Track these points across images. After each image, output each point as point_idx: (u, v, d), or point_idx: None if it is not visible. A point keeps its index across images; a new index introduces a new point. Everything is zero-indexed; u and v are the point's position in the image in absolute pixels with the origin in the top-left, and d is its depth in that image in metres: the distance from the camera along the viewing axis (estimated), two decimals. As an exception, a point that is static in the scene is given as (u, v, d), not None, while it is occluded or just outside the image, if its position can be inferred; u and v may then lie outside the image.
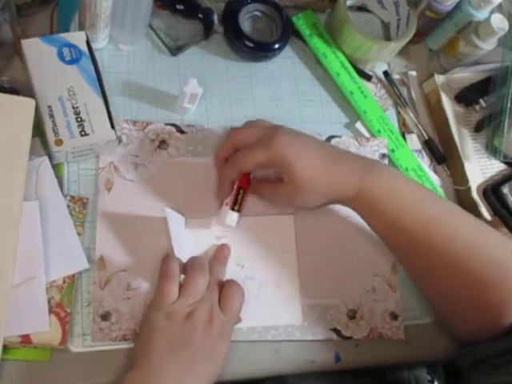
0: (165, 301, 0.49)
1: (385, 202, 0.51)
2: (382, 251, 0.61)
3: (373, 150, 0.66)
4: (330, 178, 0.52)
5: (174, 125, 0.60)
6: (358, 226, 0.62)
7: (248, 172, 0.56)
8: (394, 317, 0.59)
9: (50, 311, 0.49)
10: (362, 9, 0.74)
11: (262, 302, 0.56)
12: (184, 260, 0.53)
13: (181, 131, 0.60)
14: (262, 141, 0.52)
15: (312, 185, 0.52)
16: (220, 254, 0.56)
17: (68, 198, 0.53)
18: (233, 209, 0.55)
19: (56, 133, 0.51)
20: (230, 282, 0.54)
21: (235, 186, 0.55)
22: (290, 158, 0.51)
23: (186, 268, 0.52)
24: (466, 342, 0.52)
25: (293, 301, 0.57)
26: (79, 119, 0.52)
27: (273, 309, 0.56)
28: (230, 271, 0.56)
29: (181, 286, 0.51)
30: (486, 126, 0.68)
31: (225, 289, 0.53)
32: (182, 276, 0.52)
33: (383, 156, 0.66)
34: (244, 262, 0.57)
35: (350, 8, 0.70)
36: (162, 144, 0.58)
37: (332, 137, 0.65)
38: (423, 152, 0.69)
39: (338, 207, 0.62)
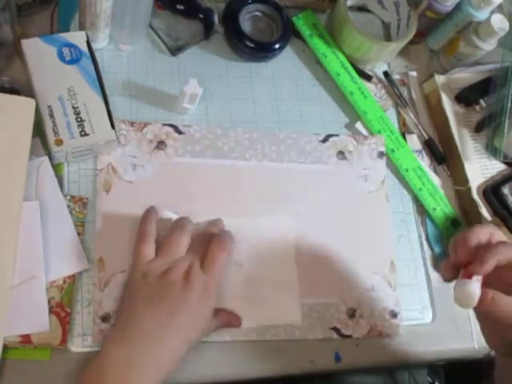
0: (141, 261, 0.50)
1: None
2: (380, 249, 0.61)
3: (371, 148, 0.66)
4: None
5: (171, 125, 0.60)
6: (356, 224, 0.62)
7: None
8: (394, 315, 0.59)
9: (50, 311, 0.49)
10: (362, 9, 0.73)
11: (262, 302, 0.56)
12: None
13: (179, 132, 0.60)
14: None
15: None
16: (216, 220, 0.56)
17: (68, 197, 0.53)
18: None
19: (56, 133, 0.51)
20: (216, 241, 0.53)
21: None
22: None
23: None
24: None
25: (292, 300, 0.57)
26: (79, 119, 0.52)
27: (272, 308, 0.56)
28: (230, 271, 0.56)
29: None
30: (486, 127, 0.68)
31: (209, 249, 0.52)
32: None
33: (381, 154, 0.66)
34: (243, 262, 0.57)
35: (351, 8, 0.70)
36: (160, 145, 0.59)
37: (330, 136, 0.65)
38: (423, 152, 0.69)
39: (337, 207, 0.62)
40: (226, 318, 0.53)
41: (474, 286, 0.44)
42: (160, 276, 0.49)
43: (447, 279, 0.48)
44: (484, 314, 0.48)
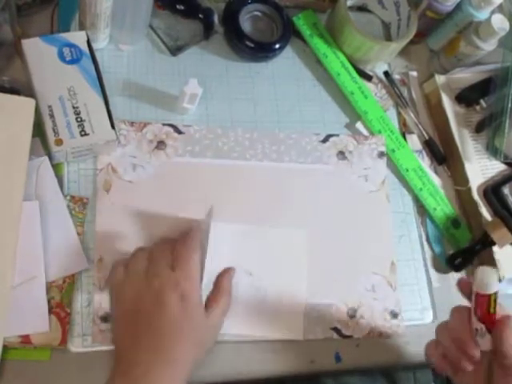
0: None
1: None
2: (381, 249, 0.61)
3: (371, 148, 0.66)
4: None
5: (171, 125, 0.60)
6: (356, 224, 0.62)
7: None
8: (394, 315, 0.59)
9: (50, 311, 0.49)
10: (362, 9, 0.73)
11: (265, 313, 0.56)
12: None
13: (178, 131, 0.60)
14: None
15: None
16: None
17: (68, 197, 0.53)
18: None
19: (56, 133, 0.51)
20: (180, 242, 0.51)
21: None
22: None
23: None
24: None
25: (296, 316, 0.56)
26: (79, 119, 0.52)
27: (275, 321, 0.56)
28: (238, 277, 0.55)
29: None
30: (486, 127, 0.68)
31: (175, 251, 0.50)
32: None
33: (381, 154, 0.66)
34: (252, 270, 0.56)
35: (351, 8, 0.70)
36: (160, 145, 0.58)
37: (330, 135, 0.65)
38: (424, 152, 0.69)
39: (338, 207, 0.62)
40: (218, 300, 0.52)
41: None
42: (124, 270, 0.50)
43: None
44: None
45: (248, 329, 0.55)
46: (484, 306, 0.46)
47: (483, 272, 0.46)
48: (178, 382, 0.46)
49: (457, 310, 0.48)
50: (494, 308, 0.46)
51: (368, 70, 0.70)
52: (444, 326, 0.49)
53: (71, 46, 0.55)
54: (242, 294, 0.55)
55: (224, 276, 0.54)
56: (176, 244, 0.51)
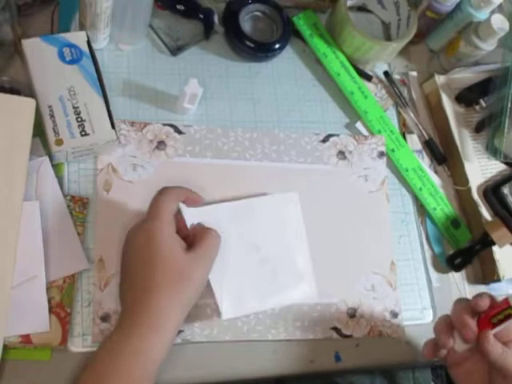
0: None
1: None
2: (380, 249, 0.61)
3: (371, 148, 0.66)
4: None
5: (171, 125, 0.60)
6: (356, 224, 0.62)
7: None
8: (394, 315, 0.59)
9: (50, 311, 0.49)
10: (362, 9, 0.73)
11: (277, 282, 0.55)
12: None
13: (179, 132, 0.60)
14: None
15: None
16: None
17: (68, 197, 0.53)
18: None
19: (56, 133, 0.51)
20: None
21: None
22: None
23: None
24: None
25: (306, 277, 0.56)
26: (79, 119, 0.52)
27: (286, 286, 0.56)
28: (244, 253, 0.55)
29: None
30: (486, 127, 0.68)
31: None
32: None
33: (381, 154, 0.66)
34: (258, 243, 0.56)
35: (351, 8, 0.70)
36: (160, 145, 0.59)
37: (330, 135, 0.65)
38: (423, 152, 0.69)
39: (336, 207, 0.62)
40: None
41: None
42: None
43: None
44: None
45: (262, 303, 0.54)
46: (495, 311, 0.48)
47: None
48: (164, 327, 0.45)
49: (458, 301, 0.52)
50: (497, 322, 0.47)
51: (368, 69, 0.70)
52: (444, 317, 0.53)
53: (71, 46, 0.55)
54: (251, 270, 0.55)
55: (209, 229, 0.51)
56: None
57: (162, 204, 0.49)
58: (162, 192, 0.50)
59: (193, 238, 0.50)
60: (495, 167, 0.67)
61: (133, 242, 0.48)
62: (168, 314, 0.45)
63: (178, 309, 0.46)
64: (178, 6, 0.64)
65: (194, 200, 0.53)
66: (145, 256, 0.47)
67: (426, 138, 0.69)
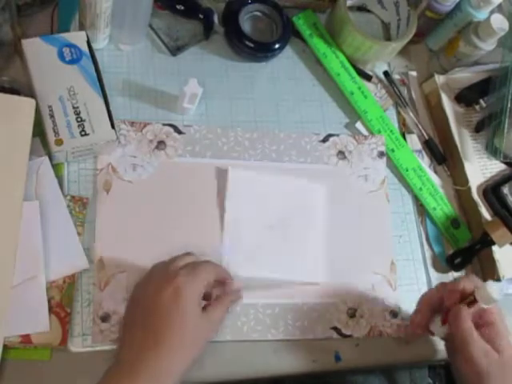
0: None
1: None
2: (380, 249, 0.61)
3: (371, 147, 0.66)
4: None
5: (171, 125, 0.60)
6: (356, 224, 0.62)
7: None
8: (394, 315, 0.59)
9: (50, 311, 0.49)
10: (362, 9, 0.74)
11: (284, 256, 0.58)
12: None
13: (179, 131, 0.60)
14: None
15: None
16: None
17: (68, 197, 0.53)
18: None
19: (56, 133, 0.51)
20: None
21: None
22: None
23: None
24: None
25: (314, 259, 0.59)
26: (79, 119, 0.52)
27: (294, 264, 0.58)
28: (259, 233, 0.57)
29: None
30: (486, 126, 0.68)
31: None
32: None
33: (381, 154, 0.66)
34: (272, 222, 0.58)
35: (350, 8, 0.70)
36: (160, 145, 0.59)
37: (330, 135, 0.65)
38: (423, 152, 0.69)
39: (336, 207, 0.62)
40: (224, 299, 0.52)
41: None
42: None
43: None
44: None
45: (269, 272, 0.56)
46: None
47: (491, 288, 0.49)
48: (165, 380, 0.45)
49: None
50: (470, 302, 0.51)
51: (368, 69, 0.70)
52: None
53: (71, 46, 0.55)
54: (263, 243, 0.57)
55: (229, 283, 0.54)
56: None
57: (204, 267, 0.50)
58: (206, 262, 0.52)
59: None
60: (495, 167, 0.67)
61: (159, 289, 0.47)
62: (171, 375, 0.46)
63: (182, 370, 0.47)
64: (178, 6, 0.64)
65: (226, 279, 0.54)
66: (166, 311, 0.46)
67: (426, 137, 0.69)
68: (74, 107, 0.53)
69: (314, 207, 0.61)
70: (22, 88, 0.54)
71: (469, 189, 0.66)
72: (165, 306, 0.47)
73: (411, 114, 0.69)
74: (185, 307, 0.47)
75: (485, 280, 0.51)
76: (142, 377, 0.44)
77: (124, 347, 0.47)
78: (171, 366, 0.46)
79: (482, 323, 0.51)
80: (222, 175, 0.58)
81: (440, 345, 0.59)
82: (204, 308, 0.49)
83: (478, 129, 0.68)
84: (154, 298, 0.47)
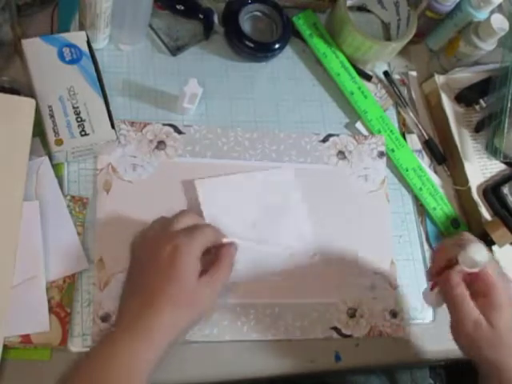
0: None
1: None
2: (380, 249, 0.61)
3: (371, 147, 0.66)
4: None
5: (171, 125, 0.60)
6: (357, 225, 0.62)
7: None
8: (394, 314, 0.59)
9: (50, 311, 0.49)
10: (362, 9, 0.74)
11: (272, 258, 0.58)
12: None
13: (179, 131, 0.60)
14: None
15: None
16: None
17: (68, 197, 0.53)
18: None
19: (56, 133, 0.51)
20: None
21: None
22: None
23: None
24: None
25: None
26: (79, 119, 0.52)
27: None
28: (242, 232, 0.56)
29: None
30: (486, 126, 0.68)
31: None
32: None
33: (381, 154, 0.66)
34: (255, 220, 0.58)
35: (350, 8, 0.70)
36: (160, 145, 0.59)
37: (330, 135, 0.65)
38: (423, 152, 0.69)
39: (337, 207, 0.62)
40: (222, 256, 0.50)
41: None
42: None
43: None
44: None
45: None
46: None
47: (474, 250, 0.46)
48: (158, 342, 0.45)
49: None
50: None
51: (368, 69, 0.70)
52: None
53: (71, 46, 0.55)
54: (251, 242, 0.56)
55: (227, 247, 0.52)
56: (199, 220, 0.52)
57: (202, 230, 0.49)
58: (204, 225, 0.51)
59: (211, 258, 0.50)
60: (495, 167, 0.67)
61: (157, 248, 0.47)
62: (167, 332, 0.45)
63: (177, 330, 0.46)
64: (178, 6, 0.64)
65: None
66: (164, 269, 0.46)
67: (426, 137, 0.69)
68: (74, 107, 0.53)
69: (288, 191, 0.60)
70: (22, 88, 0.54)
71: (469, 189, 0.66)
72: (162, 264, 0.46)
73: (411, 114, 0.69)
74: (182, 267, 0.46)
75: None
76: (138, 332, 0.44)
77: (122, 308, 0.48)
78: (167, 325, 0.45)
79: (479, 291, 0.48)
80: (191, 189, 0.57)
81: (440, 345, 0.59)
82: (202, 273, 0.48)
83: (477, 129, 0.68)
84: (152, 256, 0.47)
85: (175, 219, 0.50)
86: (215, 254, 0.51)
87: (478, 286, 0.48)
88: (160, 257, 0.47)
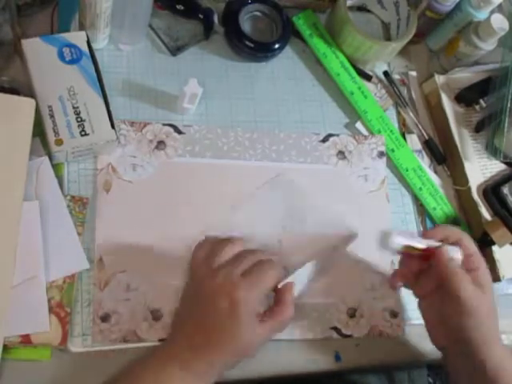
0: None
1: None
2: (381, 249, 0.61)
3: (371, 147, 0.66)
4: None
5: (171, 125, 0.60)
6: (357, 225, 0.62)
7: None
8: (394, 314, 0.59)
9: (50, 311, 0.49)
10: (362, 9, 0.74)
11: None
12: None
13: (179, 131, 0.60)
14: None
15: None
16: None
17: (68, 197, 0.53)
18: None
19: (56, 133, 0.51)
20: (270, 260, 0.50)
21: None
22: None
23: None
24: None
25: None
26: (79, 119, 0.52)
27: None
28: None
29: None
30: (486, 126, 0.68)
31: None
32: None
33: (381, 154, 0.66)
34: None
35: (350, 8, 0.70)
36: (160, 145, 0.59)
37: (330, 135, 0.65)
38: (423, 152, 0.69)
39: (337, 207, 0.62)
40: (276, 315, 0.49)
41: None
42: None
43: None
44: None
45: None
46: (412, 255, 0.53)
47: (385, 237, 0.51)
48: (207, 380, 0.46)
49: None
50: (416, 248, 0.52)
51: (367, 69, 0.70)
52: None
53: (71, 46, 0.55)
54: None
55: (287, 289, 0.50)
56: (262, 257, 0.50)
57: (266, 278, 0.48)
58: (272, 265, 0.49)
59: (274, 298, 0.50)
60: (495, 167, 0.67)
61: (212, 296, 0.47)
62: (217, 374, 0.47)
63: (223, 370, 0.47)
64: (178, 6, 0.64)
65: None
66: (223, 319, 0.46)
67: (426, 137, 0.69)
68: (73, 107, 0.53)
69: (291, 195, 0.60)
70: (21, 88, 0.54)
71: (469, 189, 0.66)
72: (219, 316, 0.46)
73: (411, 114, 0.69)
74: (242, 321, 0.46)
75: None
76: (192, 371, 0.45)
77: (175, 335, 0.48)
78: (220, 368, 0.47)
79: (468, 269, 0.51)
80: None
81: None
82: (261, 314, 0.48)
83: (477, 129, 0.68)
84: (208, 305, 0.47)
85: (222, 249, 0.49)
86: (276, 292, 0.50)
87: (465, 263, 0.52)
88: (217, 308, 0.46)
